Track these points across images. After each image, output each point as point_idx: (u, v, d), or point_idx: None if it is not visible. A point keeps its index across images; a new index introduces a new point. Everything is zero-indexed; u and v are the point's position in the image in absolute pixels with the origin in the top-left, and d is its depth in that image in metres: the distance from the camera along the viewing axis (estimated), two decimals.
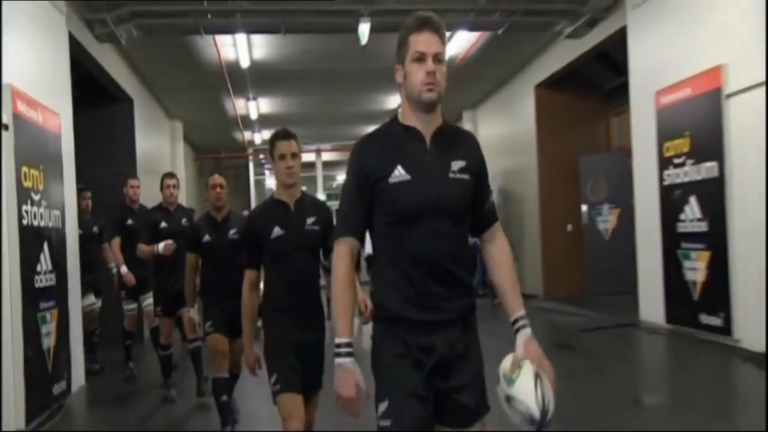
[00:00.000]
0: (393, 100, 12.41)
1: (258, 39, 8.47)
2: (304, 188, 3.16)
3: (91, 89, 7.61)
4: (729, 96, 5.59)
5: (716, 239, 5.81)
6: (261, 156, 18.28)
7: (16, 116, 4.54)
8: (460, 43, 9.00)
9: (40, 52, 5.39)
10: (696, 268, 6.10)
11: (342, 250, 1.89)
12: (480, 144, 2.04)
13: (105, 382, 6.16)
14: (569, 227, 10.14)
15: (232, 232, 4.04)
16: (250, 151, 17.52)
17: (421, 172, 1.88)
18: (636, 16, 7.02)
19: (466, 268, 1.95)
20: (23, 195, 4.53)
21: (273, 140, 3.00)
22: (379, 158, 1.90)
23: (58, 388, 5.00)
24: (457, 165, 1.92)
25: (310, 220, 2.96)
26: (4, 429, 4.19)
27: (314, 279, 3.03)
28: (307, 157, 17.03)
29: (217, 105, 12.31)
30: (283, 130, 3.04)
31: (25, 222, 4.51)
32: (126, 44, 7.29)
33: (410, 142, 1.92)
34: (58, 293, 5.12)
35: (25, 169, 4.59)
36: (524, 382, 1.86)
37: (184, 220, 5.14)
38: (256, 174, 18.59)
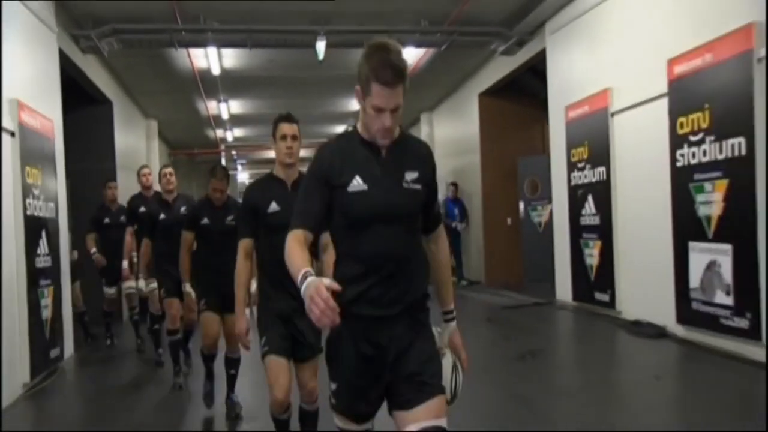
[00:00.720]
0: (352, 104, 13.46)
1: (227, 50, 9.44)
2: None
3: (74, 93, 8.47)
4: (613, 114, 6.77)
5: (605, 230, 7.01)
6: (233, 152, 19.21)
7: (21, 125, 5.50)
8: (413, 53, 10.08)
9: (35, 67, 6.30)
10: (593, 254, 7.29)
11: (290, 238, 1.98)
12: (433, 152, 2.21)
13: (99, 349, 7.19)
14: (509, 221, 11.32)
15: (229, 218, 4.20)
16: (222, 147, 18.41)
17: (377, 182, 2.02)
18: (553, 40, 8.17)
19: (417, 268, 2.07)
20: (27, 190, 5.50)
21: (276, 122, 3.12)
22: (339, 166, 2.02)
23: (54, 353, 5.96)
24: (410, 176, 2.06)
25: None
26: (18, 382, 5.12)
27: None
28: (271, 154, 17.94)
29: (190, 106, 13.23)
30: (286, 113, 3.17)
31: (28, 213, 5.48)
32: (107, 55, 8.21)
33: (367, 154, 2.04)
34: (54, 273, 6.08)
35: (27, 168, 5.56)
36: (443, 369, 2.10)
37: (183, 209, 5.23)
38: (228, 169, 19.46)
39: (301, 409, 3.19)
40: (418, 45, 9.17)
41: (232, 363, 4.36)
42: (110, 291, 7.19)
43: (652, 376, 4.88)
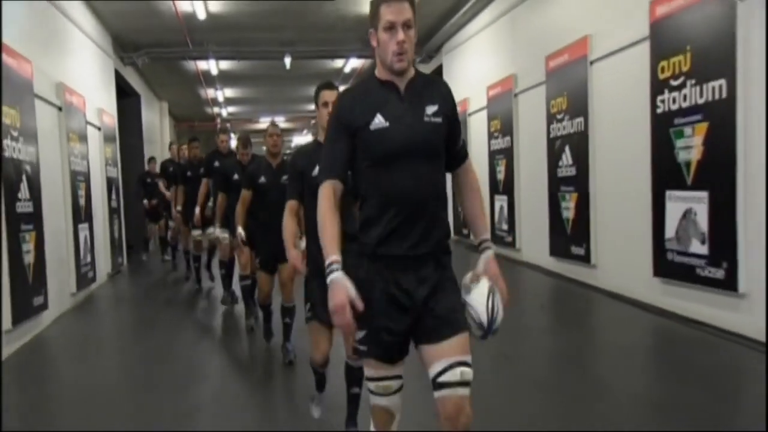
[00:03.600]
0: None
1: (222, 62, 13.17)
2: None
3: (119, 91, 12.23)
4: (469, 114, 10.49)
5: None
6: (227, 124, 22.97)
7: (102, 121, 9.31)
8: (355, 62, 13.81)
9: (102, 78, 10.05)
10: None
11: (324, 192, 2.03)
12: (451, 89, 2.17)
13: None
14: None
15: (284, 178, 4.09)
16: (219, 120, 22.18)
17: (398, 118, 2.03)
18: (447, 59, 11.94)
19: (442, 204, 2.08)
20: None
21: (318, 89, 3.16)
22: (359, 108, 2.05)
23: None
24: (430, 109, 2.06)
25: None
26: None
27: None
28: (264, 125, 21.81)
29: (193, 92, 16.98)
30: (327, 81, 3.24)
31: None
32: (140, 66, 11.97)
33: (387, 93, 2.07)
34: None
35: (105, 146, 9.41)
36: (479, 293, 2.08)
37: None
38: (191, 138, 23.31)
39: (347, 365, 3.19)
40: (358, 56, 12.95)
41: (287, 312, 4.60)
42: (195, 233, 7.72)
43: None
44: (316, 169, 2.85)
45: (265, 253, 4.60)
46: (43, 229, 6.02)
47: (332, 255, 1.95)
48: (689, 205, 4.99)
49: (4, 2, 5.26)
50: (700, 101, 4.82)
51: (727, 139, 4.58)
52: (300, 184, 3.17)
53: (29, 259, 5.59)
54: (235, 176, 5.61)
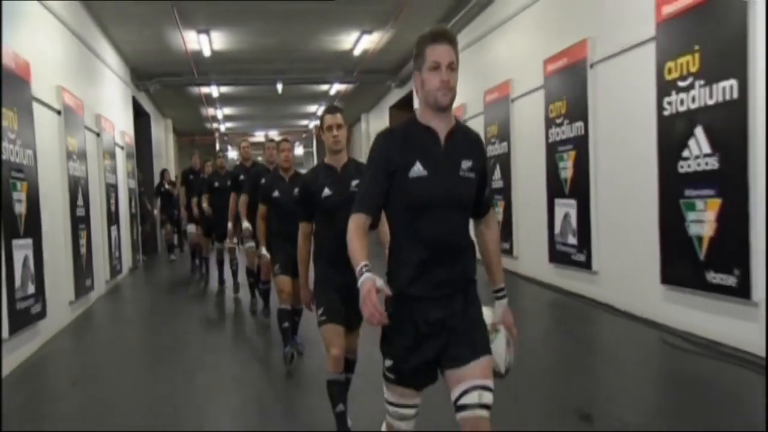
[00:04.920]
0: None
1: (223, 88, 15.08)
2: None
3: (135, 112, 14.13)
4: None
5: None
6: (225, 137, 24.91)
7: (124, 140, 11.17)
8: (337, 87, 15.73)
9: (122, 104, 11.91)
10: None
11: (355, 219, 2.11)
12: (483, 140, 2.31)
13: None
14: None
15: (296, 191, 4.07)
16: (217, 134, 24.12)
17: (436, 169, 2.11)
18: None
19: (468, 251, 2.18)
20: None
21: (322, 115, 3.33)
22: (400, 152, 2.12)
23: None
24: (466, 164, 2.16)
25: (354, 182, 3.23)
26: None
27: None
28: (259, 139, 23.76)
29: (195, 111, 18.87)
30: (331, 105, 3.48)
31: (132, 186, 11.15)
32: (152, 92, 13.90)
33: (427, 141, 2.14)
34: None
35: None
36: (499, 345, 2.27)
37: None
38: (219, 149, 25.19)
39: (328, 382, 3.28)
40: (340, 82, 14.93)
41: (297, 312, 4.96)
42: (219, 245, 8.26)
43: None
44: (326, 191, 3.28)
45: (283, 260, 4.72)
46: (90, 229, 7.87)
47: (362, 261, 2.01)
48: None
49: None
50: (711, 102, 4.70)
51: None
52: (310, 207, 3.36)
53: (83, 251, 7.45)
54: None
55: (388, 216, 2.20)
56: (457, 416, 2.10)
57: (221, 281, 8.75)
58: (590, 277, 6.71)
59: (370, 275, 1.96)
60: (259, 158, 5.97)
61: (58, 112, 6.86)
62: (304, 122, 23.65)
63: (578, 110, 6.81)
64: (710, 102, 4.73)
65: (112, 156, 9.92)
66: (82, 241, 7.45)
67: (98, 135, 9.01)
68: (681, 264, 5.08)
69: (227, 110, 19.22)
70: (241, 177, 6.78)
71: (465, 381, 2.09)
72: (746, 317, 4.47)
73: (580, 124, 6.79)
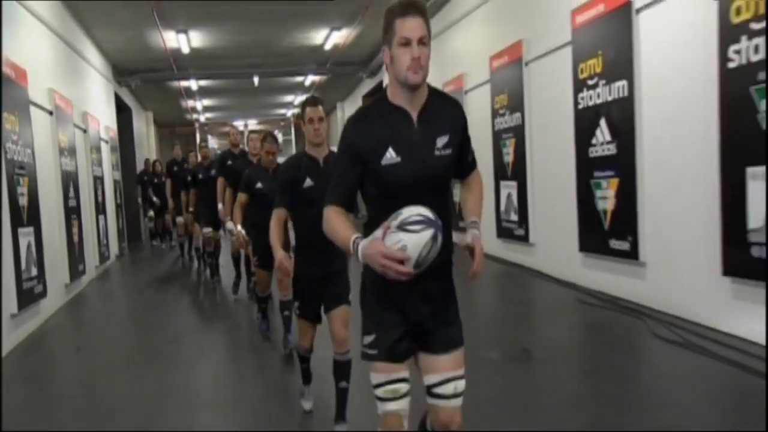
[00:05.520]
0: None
1: (202, 81, 15.73)
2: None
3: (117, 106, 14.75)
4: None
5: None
6: (205, 127, 25.49)
7: (109, 134, 11.85)
8: (312, 78, 16.46)
9: (105, 99, 12.57)
10: None
11: (327, 212, 2.10)
12: (461, 104, 2.21)
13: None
14: None
15: None
16: (197, 125, 24.69)
17: (410, 152, 2.04)
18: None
19: (447, 230, 2.04)
20: (92, 161, 11.91)
21: (303, 107, 3.34)
22: (371, 140, 2.04)
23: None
24: (441, 141, 2.07)
25: None
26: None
27: None
28: (240, 129, 24.48)
29: (175, 103, 19.48)
30: (311, 97, 3.46)
31: (94, 174, 11.81)
32: (133, 88, 14.53)
33: (399, 123, 2.05)
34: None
35: (108, 151, 11.95)
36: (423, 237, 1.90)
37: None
38: (201, 140, 25.74)
39: (335, 361, 3.36)
40: (315, 74, 15.67)
41: (286, 305, 4.74)
42: (207, 230, 8.13)
43: None
44: (308, 181, 3.31)
45: (261, 252, 4.94)
46: (81, 218, 8.61)
47: (351, 235, 2.00)
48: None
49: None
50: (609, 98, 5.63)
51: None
52: (289, 196, 3.37)
53: (76, 238, 8.20)
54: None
55: (363, 197, 2.18)
56: (430, 401, 2.16)
57: (207, 266, 8.74)
58: (528, 249, 7.63)
59: (367, 241, 1.95)
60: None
61: (50, 113, 7.58)
62: (282, 111, 24.36)
63: (517, 102, 7.68)
64: (609, 98, 5.67)
65: (98, 150, 10.62)
66: (75, 230, 8.20)
67: (85, 131, 9.71)
68: (592, 234, 6.05)
69: (206, 102, 19.86)
70: (229, 162, 6.69)
71: (440, 372, 2.13)
72: (637, 276, 5.44)
73: (518, 114, 7.67)
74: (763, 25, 3.91)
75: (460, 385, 2.16)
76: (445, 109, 2.13)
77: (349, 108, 20.60)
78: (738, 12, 4.10)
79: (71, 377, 4.98)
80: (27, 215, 6.12)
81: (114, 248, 11.57)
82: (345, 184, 2.12)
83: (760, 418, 3.16)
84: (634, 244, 5.40)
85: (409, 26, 1.96)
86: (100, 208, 10.20)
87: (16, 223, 5.82)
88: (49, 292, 6.64)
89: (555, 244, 6.99)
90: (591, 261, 6.18)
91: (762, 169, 3.95)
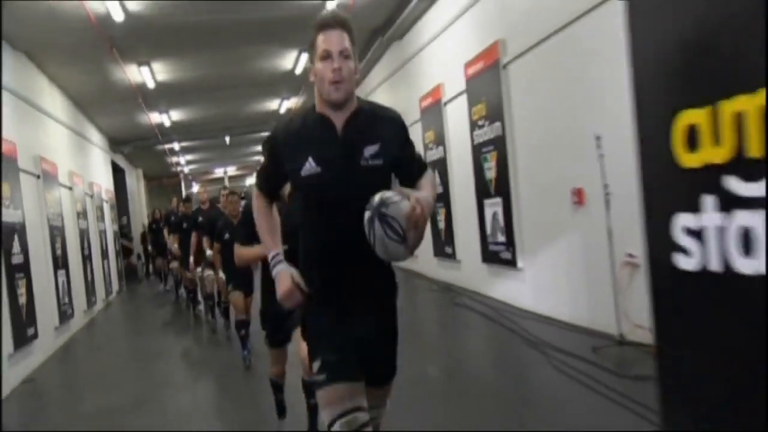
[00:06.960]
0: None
1: (185, 143, 18.81)
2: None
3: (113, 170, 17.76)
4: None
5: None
6: (189, 176, 28.64)
7: (108, 196, 14.83)
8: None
9: (104, 166, 15.53)
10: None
11: (258, 195, 2.15)
12: (399, 115, 2.11)
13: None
14: None
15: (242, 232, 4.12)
16: (181, 175, 27.85)
17: (331, 163, 1.96)
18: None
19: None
20: (97, 219, 14.88)
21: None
22: (292, 150, 2.00)
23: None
24: (369, 151, 1.98)
25: None
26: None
27: None
28: (218, 174, 27.59)
29: (162, 161, 22.66)
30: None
31: (98, 229, 14.73)
32: (126, 154, 17.65)
33: (322, 132, 1.98)
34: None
35: (97, 210, 14.93)
36: (403, 207, 1.89)
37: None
38: (186, 188, 28.90)
39: (303, 381, 3.42)
40: (288, 99, 18.76)
41: (241, 324, 5.90)
42: (188, 275, 9.44)
43: None
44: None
45: (235, 281, 5.87)
46: (93, 263, 11.55)
47: (274, 249, 1.99)
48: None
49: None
50: (492, 136, 7.10)
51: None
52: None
53: (89, 277, 11.13)
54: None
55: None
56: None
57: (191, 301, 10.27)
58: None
59: (285, 268, 2.01)
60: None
61: (69, 188, 10.57)
62: (257, 158, 27.43)
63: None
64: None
65: (101, 209, 13.65)
66: (88, 270, 11.12)
67: (91, 197, 12.71)
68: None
69: (188, 157, 23.03)
70: (199, 219, 8.05)
71: (370, 399, 2.08)
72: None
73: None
74: (482, 122, 7.30)
75: (382, 411, 2.24)
76: (376, 120, 2.07)
77: None
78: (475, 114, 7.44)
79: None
80: (60, 260, 9.07)
81: (115, 285, 14.49)
82: (270, 184, 2.17)
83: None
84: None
85: (330, 39, 1.96)
86: (104, 254, 13.13)
87: (13, 274, 8.67)
88: (76, 313, 9.52)
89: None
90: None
91: (491, 200, 7.17)
